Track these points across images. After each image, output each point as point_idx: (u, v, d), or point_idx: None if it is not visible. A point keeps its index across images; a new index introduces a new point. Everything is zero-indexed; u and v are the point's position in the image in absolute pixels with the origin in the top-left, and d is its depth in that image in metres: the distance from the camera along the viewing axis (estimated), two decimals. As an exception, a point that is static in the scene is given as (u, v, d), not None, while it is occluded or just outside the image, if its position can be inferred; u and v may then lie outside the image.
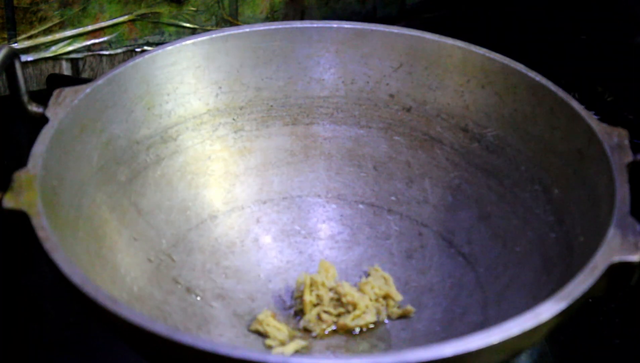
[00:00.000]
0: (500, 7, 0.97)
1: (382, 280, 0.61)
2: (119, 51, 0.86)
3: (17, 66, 0.58)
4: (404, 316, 0.60)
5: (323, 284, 0.59)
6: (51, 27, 0.82)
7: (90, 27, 0.84)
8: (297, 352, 0.56)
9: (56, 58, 0.84)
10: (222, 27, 0.88)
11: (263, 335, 0.58)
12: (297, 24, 0.68)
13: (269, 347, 0.57)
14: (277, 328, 0.57)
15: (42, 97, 0.58)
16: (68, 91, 0.58)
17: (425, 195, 0.66)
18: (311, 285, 0.59)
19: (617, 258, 0.47)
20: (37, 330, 0.62)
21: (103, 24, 0.84)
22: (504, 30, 0.95)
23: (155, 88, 0.64)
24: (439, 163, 0.66)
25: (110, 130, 0.61)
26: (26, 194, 0.50)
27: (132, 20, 0.85)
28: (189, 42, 0.65)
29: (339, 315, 0.58)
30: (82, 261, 0.52)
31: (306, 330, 0.58)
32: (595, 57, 0.90)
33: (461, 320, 0.58)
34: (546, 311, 0.45)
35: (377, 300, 0.59)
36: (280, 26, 0.67)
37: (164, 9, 0.86)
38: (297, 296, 0.60)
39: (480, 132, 0.65)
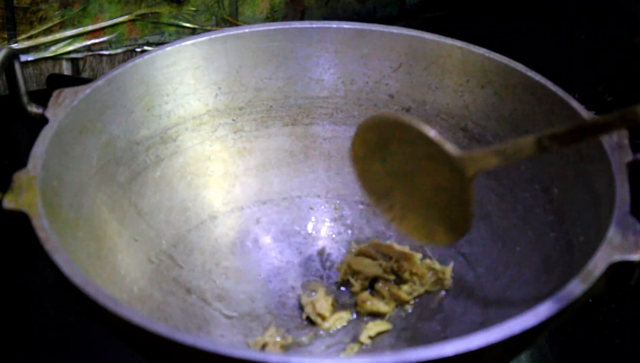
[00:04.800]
0: (500, 7, 0.97)
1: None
2: (119, 51, 0.86)
3: (17, 66, 0.58)
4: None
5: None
6: (51, 27, 0.82)
7: (90, 27, 0.84)
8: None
9: (56, 58, 0.84)
10: (222, 27, 0.88)
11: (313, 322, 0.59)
12: (297, 24, 0.68)
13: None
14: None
15: (42, 97, 0.58)
16: (68, 92, 0.58)
17: (425, 195, 0.66)
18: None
19: (617, 257, 0.47)
20: (37, 330, 0.62)
21: (103, 24, 0.84)
22: (503, 30, 0.94)
23: (154, 89, 0.64)
24: (438, 163, 0.66)
25: (110, 131, 0.61)
26: (26, 195, 0.50)
27: (132, 20, 0.85)
28: (188, 42, 0.65)
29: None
30: (82, 262, 0.52)
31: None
32: (595, 57, 0.90)
33: (461, 320, 0.58)
34: (546, 311, 0.45)
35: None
36: (280, 26, 0.67)
37: (164, 9, 0.86)
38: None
39: (480, 132, 0.65)
